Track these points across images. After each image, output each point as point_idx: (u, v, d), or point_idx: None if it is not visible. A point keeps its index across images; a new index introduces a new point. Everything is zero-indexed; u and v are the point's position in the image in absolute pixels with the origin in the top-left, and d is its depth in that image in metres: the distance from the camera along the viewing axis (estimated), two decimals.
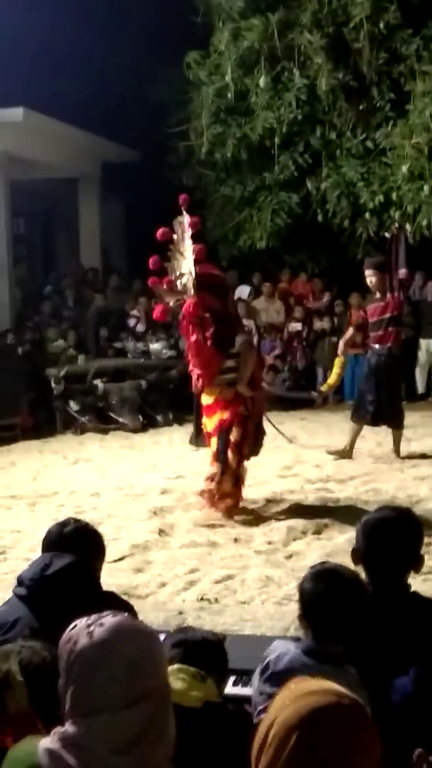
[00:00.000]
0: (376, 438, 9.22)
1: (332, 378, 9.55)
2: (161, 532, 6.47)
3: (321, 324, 13.01)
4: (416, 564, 2.88)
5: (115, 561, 5.62)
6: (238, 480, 6.80)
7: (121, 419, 11.22)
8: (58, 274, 15.36)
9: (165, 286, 6.76)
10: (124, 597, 3.58)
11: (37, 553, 3.30)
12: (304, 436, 10.10)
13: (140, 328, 13.12)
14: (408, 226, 11.38)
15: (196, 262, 6.58)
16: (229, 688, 3.01)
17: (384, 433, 8.97)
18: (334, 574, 2.66)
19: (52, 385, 11.34)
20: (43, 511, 7.22)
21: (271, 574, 5.47)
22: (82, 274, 14.80)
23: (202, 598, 5.15)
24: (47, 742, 1.60)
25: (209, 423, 6.87)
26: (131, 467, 9.00)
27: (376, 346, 8.64)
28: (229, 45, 12.75)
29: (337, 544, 5.89)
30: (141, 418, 11.29)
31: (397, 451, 8.72)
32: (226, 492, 6.76)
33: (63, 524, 3.19)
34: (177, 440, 10.28)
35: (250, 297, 13.13)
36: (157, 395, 11.73)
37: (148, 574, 5.62)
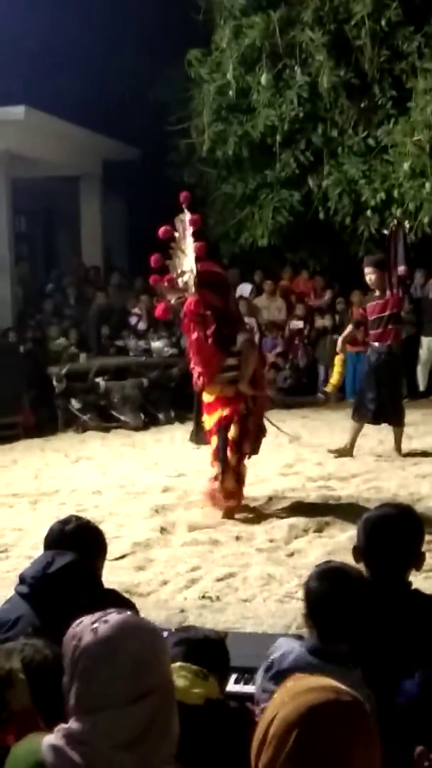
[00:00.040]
0: (377, 436, 9.22)
1: (334, 377, 9.56)
2: (163, 530, 6.47)
3: (322, 322, 12.98)
4: (417, 561, 2.89)
5: (117, 559, 5.62)
6: (239, 478, 6.80)
7: (122, 417, 11.22)
8: (59, 273, 15.36)
9: (166, 284, 6.74)
10: (126, 595, 3.59)
11: (39, 551, 3.31)
12: (305, 434, 10.09)
13: (142, 326, 13.12)
14: (409, 224, 11.36)
15: (198, 259, 6.57)
16: (231, 686, 3.02)
17: (385, 430, 8.96)
18: (339, 573, 2.66)
19: (54, 383, 11.35)
20: (44, 509, 7.23)
21: (272, 571, 5.47)
22: (83, 272, 14.80)
23: (203, 596, 5.15)
24: (51, 738, 1.60)
25: (210, 421, 6.86)
26: (133, 465, 9.00)
27: (376, 343, 8.62)
28: (231, 42, 12.73)
29: (339, 542, 5.89)
30: (142, 416, 11.29)
31: (398, 448, 8.71)
32: (230, 490, 6.76)
33: (65, 522, 3.20)
34: (178, 438, 10.27)
35: (252, 295, 13.14)
36: (158, 393, 11.72)
37: (150, 572, 5.62)
